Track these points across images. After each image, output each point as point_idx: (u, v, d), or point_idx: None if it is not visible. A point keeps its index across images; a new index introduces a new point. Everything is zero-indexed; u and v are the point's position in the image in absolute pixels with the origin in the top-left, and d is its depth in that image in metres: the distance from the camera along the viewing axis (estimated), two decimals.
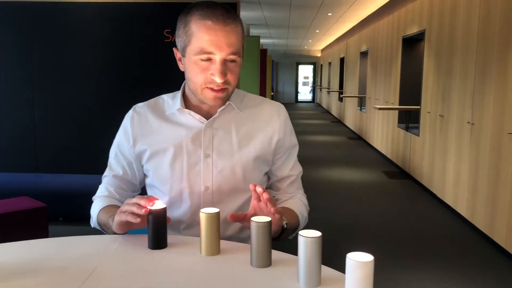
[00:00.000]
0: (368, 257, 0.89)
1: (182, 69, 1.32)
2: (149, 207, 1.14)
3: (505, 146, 3.53)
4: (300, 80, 23.76)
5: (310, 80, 24.07)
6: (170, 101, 1.39)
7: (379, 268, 3.25)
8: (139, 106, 1.42)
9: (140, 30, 4.25)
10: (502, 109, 3.60)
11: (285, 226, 1.24)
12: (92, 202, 1.44)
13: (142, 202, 1.14)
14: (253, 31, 13.53)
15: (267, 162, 1.39)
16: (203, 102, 1.30)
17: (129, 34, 4.24)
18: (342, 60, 13.73)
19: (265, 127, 1.38)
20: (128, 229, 1.23)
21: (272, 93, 18.24)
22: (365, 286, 0.88)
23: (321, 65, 20.95)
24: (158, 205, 1.15)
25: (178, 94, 1.37)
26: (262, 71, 10.25)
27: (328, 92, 16.93)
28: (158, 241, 1.17)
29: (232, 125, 1.35)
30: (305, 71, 23.96)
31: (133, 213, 1.14)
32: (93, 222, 1.39)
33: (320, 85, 20.77)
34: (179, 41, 1.28)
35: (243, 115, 1.37)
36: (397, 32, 6.94)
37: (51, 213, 3.50)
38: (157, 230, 1.16)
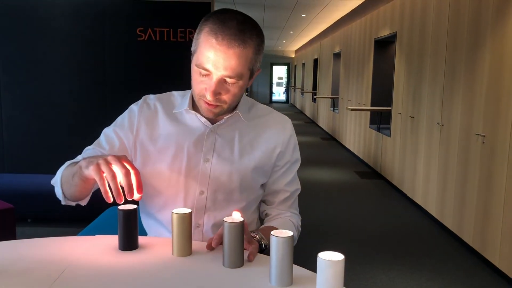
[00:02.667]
0: (338, 256, 0.90)
1: None
2: (120, 207, 1.12)
3: (473, 147, 3.63)
4: (274, 80, 23.84)
5: (284, 80, 24.18)
6: (180, 100, 1.37)
7: (350, 267, 3.30)
8: (150, 98, 1.39)
9: (112, 29, 4.19)
10: (470, 111, 3.69)
11: (264, 247, 1.21)
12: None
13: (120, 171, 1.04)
14: None
15: (265, 173, 1.37)
16: None
17: (101, 32, 4.18)
18: (315, 61, 13.84)
19: (269, 139, 1.36)
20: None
21: (246, 93, 18.24)
22: (336, 285, 0.89)
23: (295, 66, 21.08)
24: (128, 205, 1.14)
25: (188, 93, 1.35)
26: None
27: (302, 93, 17.05)
28: (129, 242, 1.15)
29: (236, 133, 1.33)
30: (279, 72, 24.04)
31: (106, 191, 1.03)
32: (54, 179, 1.29)
33: (294, 86, 20.89)
34: (193, 44, 1.24)
35: (248, 125, 1.35)
36: (369, 34, 7.05)
37: (19, 214, 3.41)
38: (128, 231, 1.15)
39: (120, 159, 1.06)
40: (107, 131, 1.35)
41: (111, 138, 1.33)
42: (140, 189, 1.05)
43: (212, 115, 1.26)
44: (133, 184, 1.04)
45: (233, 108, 1.31)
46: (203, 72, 1.19)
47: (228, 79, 1.19)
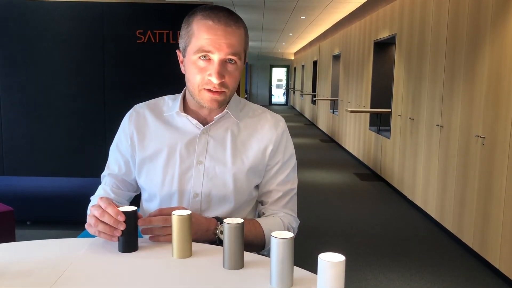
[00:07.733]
0: (339, 258, 0.89)
1: (183, 72, 1.32)
2: (121, 209, 1.12)
3: (472, 148, 3.63)
4: (274, 82, 23.85)
5: (284, 82, 24.19)
6: (171, 103, 1.38)
7: (351, 269, 3.30)
8: (139, 106, 1.41)
9: (111, 30, 4.19)
10: (470, 112, 3.69)
11: (217, 241, 1.23)
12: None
13: (115, 217, 1.12)
14: None
15: (259, 173, 1.36)
16: (201, 105, 1.28)
17: (100, 34, 4.17)
18: (315, 63, 13.85)
19: (262, 138, 1.35)
20: None
21: (245, 96, 18.25)
22: (337, 286, 0.89)
23: (295, 68, 21.09)
24: (128, 207, 1.14)
25: (179, 96, 1.36)
26: None
27: (301, 95, 17.05)
28: (129, 244, 1.15)
29: (228, 134, 1.33)
30: (279, 74, 24.06)
31: (105, 231, 1.13)
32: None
33: (294, 88, 20.90)
34: (181, 42, 1.27)
35: (240, 125, 1.35)
36: (369, 36, 7.05)
37: (18, 217, 3.41)
38: (128, 233, 1.14)
39: (99, 207, 1.13)
40: (111, 151, 1.41)
41: (116, 159, 1.39)
42: (121, 216, 1.12)
43: (216, 104, 1.26)
44: (109, 222, 1.12)
45: (228, 100, 1.32)
46: (203, 56, 1.21)
47: (230, 57, 1.22)
